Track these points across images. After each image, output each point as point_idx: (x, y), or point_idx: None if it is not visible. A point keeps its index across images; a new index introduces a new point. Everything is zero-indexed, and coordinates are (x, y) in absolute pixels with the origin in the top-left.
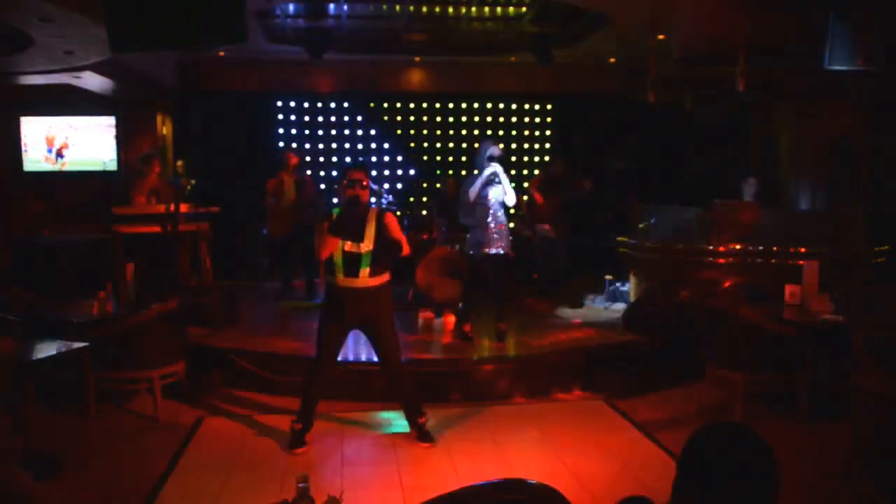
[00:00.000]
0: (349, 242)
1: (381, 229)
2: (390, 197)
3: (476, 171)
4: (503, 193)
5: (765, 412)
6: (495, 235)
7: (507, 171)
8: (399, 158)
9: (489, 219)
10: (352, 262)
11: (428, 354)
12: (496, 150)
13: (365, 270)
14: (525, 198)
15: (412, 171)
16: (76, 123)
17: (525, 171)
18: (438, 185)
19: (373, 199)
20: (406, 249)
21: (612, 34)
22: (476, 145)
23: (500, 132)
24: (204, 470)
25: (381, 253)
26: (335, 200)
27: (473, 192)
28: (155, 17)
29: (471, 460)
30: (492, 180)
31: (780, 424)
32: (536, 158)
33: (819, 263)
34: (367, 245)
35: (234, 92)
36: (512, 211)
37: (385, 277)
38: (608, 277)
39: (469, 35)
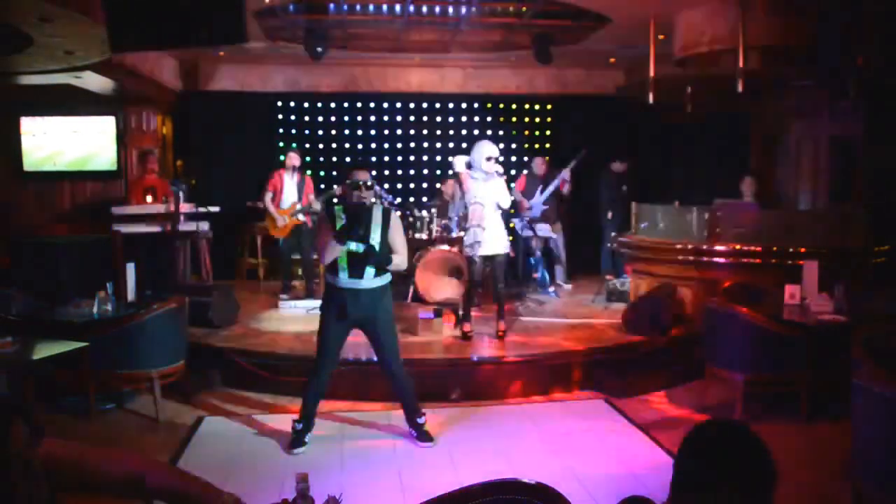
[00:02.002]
0: (353, 243)
1: (386, 229)
2: (390, 197)
3: (467, 170)
4: (499, 194)
5: (765, 412)
6: (492, 236)
7: (504, 171)
8: (399, 158)
9: (486, 219)
10: (357, 263)
11: (428, 354)
12: (495, 150)
13: (370, 271)
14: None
15: (412, 171)
16: (76, 123)
17: (525, 172)
18: (438, 185)
19: (373, 200)
20: (405, 265)
21: (612, 34)
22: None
23: (500, 132)
24: (204, 470)
25: (386, 254)
26: (335, 200)
27: (470, 197)
28: (155, 17)
29: (471, 460)
30: (487, 178)
31: (780, 424)
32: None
33: (819, 263)
34: (372, 247)
35: (234, 92)
36: (512, 211)
37: (387, 277)
38: (608, 277)
39: (469, 35)
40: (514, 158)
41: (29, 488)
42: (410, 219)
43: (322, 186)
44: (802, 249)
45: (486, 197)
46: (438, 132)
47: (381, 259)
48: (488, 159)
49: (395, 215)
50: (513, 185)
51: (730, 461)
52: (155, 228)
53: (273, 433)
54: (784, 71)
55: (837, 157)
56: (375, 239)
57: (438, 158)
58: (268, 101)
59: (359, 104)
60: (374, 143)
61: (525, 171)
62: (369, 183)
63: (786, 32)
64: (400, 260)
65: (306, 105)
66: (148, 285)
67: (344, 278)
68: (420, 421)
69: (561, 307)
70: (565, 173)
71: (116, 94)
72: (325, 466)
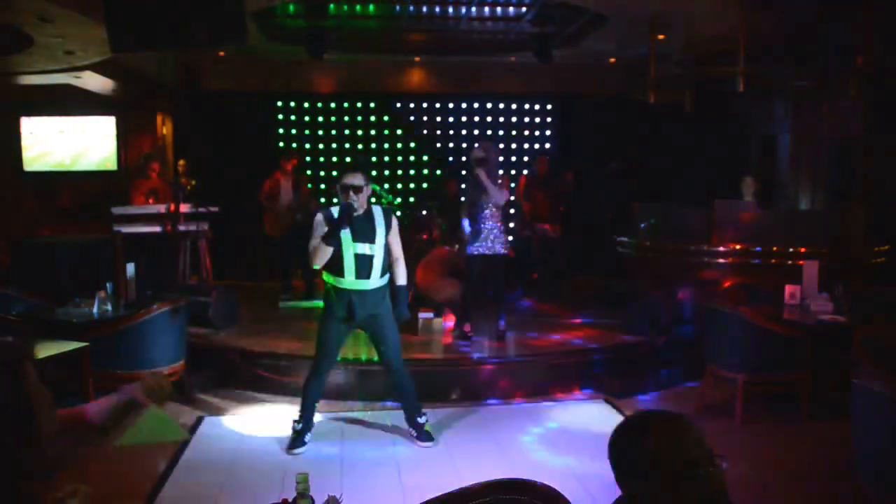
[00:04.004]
0: (360, 245)
1: (388, 231)
2: (389, 196)
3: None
4: (492, 194)
5: (765, 412)
6: (491, 236)
7: (503, 171)
8: (399, 158)
9: (484, 219)
10: (364, 265)
11: (428, 354)
12: (477, 152)
13: (376, 272)
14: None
15: (412, 171)
16: (76, 123)
17: (525, 171)
18: (438, 186)
19: (373, 199)
20: (405, 270)
21: (612, 34)
22: (476, 145)
23: (500, 132)
24: (204, 470)
25: (388, 254)
26: (335, 200)
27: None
28: (155, 17)
29: (471, 460)
30: (477, 184)
31: (780, 424)
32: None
33: (819, 263)
34: (378, 248)
35: (234, 92)
36: (512, 211)
37: (388, 276)
38: (607, 277)
39: (469, 35)
40: (514, 158)
41: (46, 417)
42: (410, 219)
43: (322, 186)
44: (802, 249)
45: (483, 198)
46: (438, 132)
47: (385, 259)
48: (474, 161)
49: (395, 218)
50: (513, 185)
51: (628, 455)
52: (155, 228)
53: (273, 433)
54: (784, 71)
55: (837, 158)
56: (379, 241)
57: (438, 158)
58: (268, 101)
59: (359, 104)
60: (374, 143)
61: (525, 172)
62: (357, 185)
63: (786, 32)
64: (402, 268)
65: (306, 105)
66: (148, 285)
67: (350, 280)
68: (421, 420)
69: (561, 307)
70: (567, 176)
71: (116, 94)
72: (325, 466)
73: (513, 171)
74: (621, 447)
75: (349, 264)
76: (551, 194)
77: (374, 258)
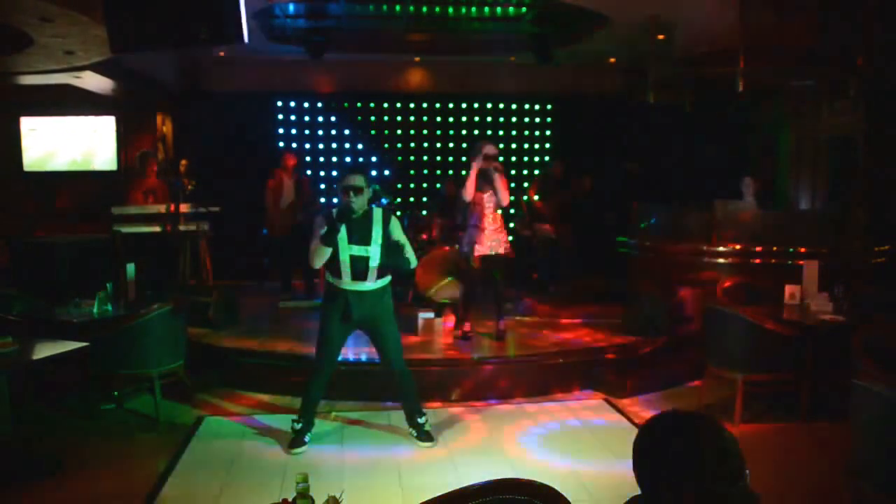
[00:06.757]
0: (356, 246)
1: (388, 232)
2: (389, 196)
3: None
4: (496, 194)
5: (765, 412)
6: (492, 236)
7: (504, 171)
8: (399, 158)
9: (485, 219)
10: (359, 266)
11: (428, 354)
12: (491, 149)
13: (373, 274)
14: (525, 198)
15: (412, 172)
16: (76, 123)
17: (525, 172)
18: (438, 185)
19: (364, 203)
20: (413, 261)
21: (612, 34)
22: (485, 142)
23: (500, 132)
24: (204, 470)
25: (386, 255)
26: (335, 200)
27: (467, 191)
28: (155, 17)
29: (471, 460)
30: (486, 178)
31: (780, 424)
32: (536, 158)
33: (819, 263)
34: (374, 249)
35: (234, 92)
36: (512, 211)
37: (388, 278)
38: (608, 277)
39: (469, 35)
40: (514, 159)
41: None
42: (411, 218)
43: (322, 186)
44: (802, 249)
45: (485, 197)
46: (438, 132)
47: (382, 261)
48: (485, 157)
49: (394, 216)
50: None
51: (674, 449)
52: (155, 228)
53: (273, 433)
54: (784, 71)
55: (837, 157)
56: (377, 241)
57: (438, 158)
58: (268, 101)
59: (359, 104)
60: (375, 143)
61: (537, 172)
62: (357, 186)
63: (786, 32)
64: (412, 255)
65: (306, 105)
66: (148, 285)
67: (347, 281)
68: (420, 420)
69: (561, 307)
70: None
71: (116, 94)
72: (325, 466)
73: (512, 171)
74: (659, 444)
75: (345, 266)
76: (568, 196)
77: (369, 260)
